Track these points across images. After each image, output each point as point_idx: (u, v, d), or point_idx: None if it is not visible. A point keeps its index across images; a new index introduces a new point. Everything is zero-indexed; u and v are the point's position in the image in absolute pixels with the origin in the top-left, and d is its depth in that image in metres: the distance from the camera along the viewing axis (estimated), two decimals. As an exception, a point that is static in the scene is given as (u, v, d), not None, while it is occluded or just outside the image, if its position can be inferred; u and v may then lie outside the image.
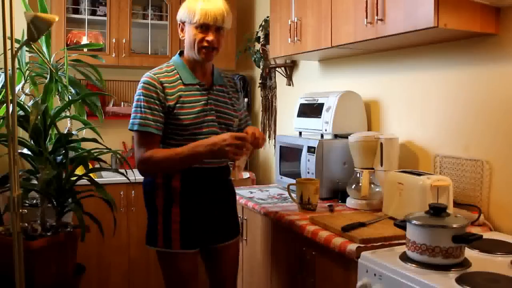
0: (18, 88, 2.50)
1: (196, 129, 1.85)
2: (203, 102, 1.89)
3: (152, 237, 1.91)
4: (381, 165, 2.15)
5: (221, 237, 1.98)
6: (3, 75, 2.29)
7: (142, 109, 1.81)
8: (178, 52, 2.00)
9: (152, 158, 1.80)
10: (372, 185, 2.16)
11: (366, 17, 2.01)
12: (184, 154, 1.80)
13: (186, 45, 1.92)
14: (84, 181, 2.35)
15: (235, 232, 2.04)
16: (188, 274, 1.89)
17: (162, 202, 1.90)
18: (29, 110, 2.12)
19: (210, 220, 1.93)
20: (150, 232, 1.93)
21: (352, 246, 1.61)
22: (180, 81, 1.88)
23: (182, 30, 1.92)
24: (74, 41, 3.46)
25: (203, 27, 1.84)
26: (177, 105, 1.83)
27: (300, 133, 2.69)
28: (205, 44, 1.85)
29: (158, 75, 1.87)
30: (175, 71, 1.91)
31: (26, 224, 2.15)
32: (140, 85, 1.84)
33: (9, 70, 1.70)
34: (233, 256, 2.06)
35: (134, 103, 1.84)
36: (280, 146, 2.73)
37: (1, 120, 2.25)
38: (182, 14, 1.89)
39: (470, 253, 1.51)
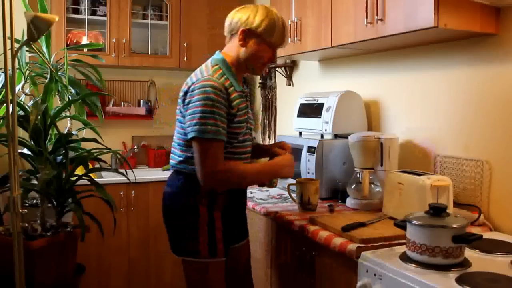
0: (18, 88, 2.50)
1: (243, 136, 1.83)
2: (247, 109, 1.85)
3: (192, 248, 1.78)
4: (381, 165, 2.15)
5: (243, 236, 2.01)
6: (3, 75, 2.29)
7: (213, 115, 1.67)
8: (221, 58, 1.82)
9: (233, 172, 1.74)
10: (372, 185, 2.16)
11: (366, 17, 2.01)
12: (265, 172, 1.85)
13: (243, 55, 1.79)
14: (84, 181, 2.35)
15: (247, 229, 2.07)
16: (224, 281, 1.85)
17: (206, 210, 1.79)
18: (29, 110, 2.12)
19: (242, 223, 1.98)
20: (187, 242, 1.79)
21: (352, 246, 1.61)
22: (233, 87, 1.76)
23: (246, 38, 1.77)
24: (74, 41, 3.46)
25: (276, 48, 1.82)
26: (238, 112, 1.76)
27: (300, 133, 2.69)
28: (267, 61, 1.83)
29: (220, 80, 1.72)
30: (225, 76, 1.76)
31: (26, 224, 2.15)
32: (205, 89, 1.67)
33: (9, 70, 1.70)
34: (248, 252, 2.07)
35: (200, 108, 1.67)
36: (280, 146, 2.72)
37: (1, 120, 2.26)
38: (257, 25, 1.75)
39: (470, 253, 1.51)
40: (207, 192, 1.77)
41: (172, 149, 1.88)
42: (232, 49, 1.82)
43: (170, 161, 1.89)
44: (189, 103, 1.71)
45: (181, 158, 1.81)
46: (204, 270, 1.79)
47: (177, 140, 1.84)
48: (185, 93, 1.75)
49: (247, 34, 1.77)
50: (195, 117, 1.68)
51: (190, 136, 1.70)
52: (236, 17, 1.79)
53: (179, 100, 1.81)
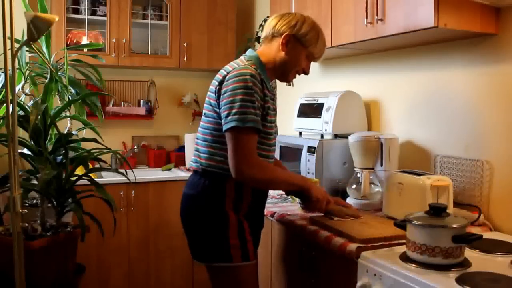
0: (18, 88, 2.50)
1: (272, 140, 1.79)
2: (275, 112, 1.82)
3: (222, 253, 1.69)
4: (381, 165, 2.15)
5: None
6: (3, 75, 2.29)
7: (253, 104, 1.60)
8: (256, 56, 1.77)
9: (267, 168, 1.70)
10: (372, 185, 2.16)
11: (366, 17, 2.01)
12: (297, 184, 1.80)
13: (281, 59, 1.76)
14: (84, 181, 2.35)
15: None
16: (258, 284, 1.82)
17: (234, 213, 1.72)
18: (29, 110, 2.12)
19: (262, 225, 1.93)
20: (217, 248, 1.70)
21: (352, 246, 1.61)
22: (265, 84, 1.71)
23: (289, 44, 1.74)
24: (74, 41, 3.46)
25: (312, 60, 1.81)
26: (270, 111, 1.71)
27: (300, 133, 2.69)
28: (300, 70, 1.81)
29: (257, 71, 1.67)
30: (259, 71, 1.71)
31: (26, 224, 2.15)
32: (245, 77, 1.61)
33: (9, 70, 1.70)
34: None
35: (240, 97, 1.59)
36: (280, 146, 2.72)
37: (1, 120, 2.25)
38: (303, 33, 1.74)
39: (470, 253, 1.51)
40: (234, 194, 1.72)
41: (197, 147, 1.78)
42: (270, 51, 1.78)
43: (193, 160, 1.80)
44: (225, 92, 1.63)
45: (206, 155, 1.73)
46: (238, 275, 1.72)
47: (202, 136, 1.75)
48: (220, 82, 1.67)
49: (291, 40, 1.75)
50: (235, 106, 1.59)
51: (229, 126, 1.60)
52: (283, 21, 1.76)
53: (210, 93, 1.73)
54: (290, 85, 3.37)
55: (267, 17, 3.30)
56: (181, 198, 1.83)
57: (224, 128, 1.63)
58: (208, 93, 1.75)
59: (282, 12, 1.88)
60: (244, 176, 1.64)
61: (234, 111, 1.60)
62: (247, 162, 1.62)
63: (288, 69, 1.79)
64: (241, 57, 1.79)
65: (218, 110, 1.67)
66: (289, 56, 1.76)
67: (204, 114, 1.76)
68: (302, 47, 1.76)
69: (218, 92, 1.67)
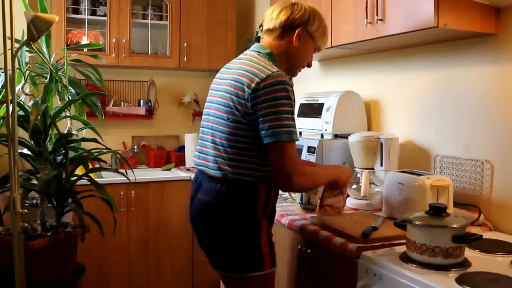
0: (18, 88, 2.50)
1: None
2: None
3: (254, 261, 1.64)
4: (381, 165, 2.15)
5: None
6: (3, 75, 2.29)
7: (293, 116, 1.60)
8: (270, 52, 1.72)
9: (311, 174, 1.74)
10: (372, 185, 2.16)
11: (366, 17, 2.01)
12: (328, 172, 1.84)
13: (293, 52, 1.74)
14: (84, 181, 2.35)
15: None
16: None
17: (263, 219, 1.68)
18: (29, 110, 2.12)
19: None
20: (249, 256, 1.64)
21: (352, 246, 1.61)
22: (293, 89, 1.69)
23: (301, 38, 1.73)
24: (74, 41, 3.46)
25: (316, 52, 1.82)
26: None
27: (300, 133, 2.69)
28: (306, 64, 1.81)
29: (287, 77, 1.65)
30: None
31: (26, 224, 2.15)
32: (283, 86, 1.57)
33: (9, 70, 1.70)
34: None
35: (283, 108, 1.55)
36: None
37: (1, 120, 2.25)
38: (315, 28, 1.74)
39: (470, 253, 1.51)
40: (265, 199, 1.68)
41: (218, 153, 1.67)
42: (280, 44, 1.73)
43: (212, 168, 1.68)
44: (264, 101, 1.55)
45: (235, 163, 1.63)
46: (266, 282, 1.69)
47: (226, 142, 1.64)
48: (254, 90, 1.56)
49: (304, 36, 1.73)
50: (279, 117, 1.55)
51: (276, 139, 1.55)
52: (295, 14, 1.72)
53: (238, 98, 1.60)
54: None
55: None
56: (197, 205, 1.73)
57: (267, 140, 1.57)
58: (229, 95, 1.64)
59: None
60: (294, 186, 1.64)
61: (279, 123, 1.55)
62: (295, 172, 1.60)
63: (298, 63, 1.78)
64: (255, 54, 1.70)
65: (250, 118, 1.59)
66: (301, 50, 1.75)
67: (228, 119, 1.63)
68: (312, 40, 1.76)
69: (253, 100, 1.57)
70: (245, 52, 1.78)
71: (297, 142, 1.62)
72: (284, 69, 1.72)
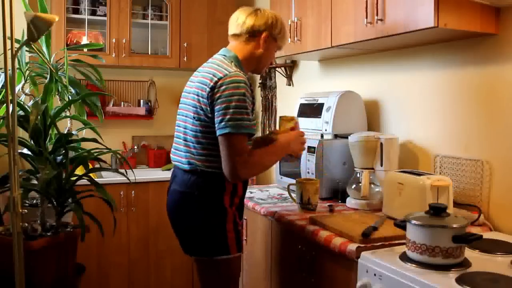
0: (18, 88, 2.50)
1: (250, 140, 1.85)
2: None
3: (221, 246, 1.79)
4: (381, 165, 2.15)
5: None
6: (3, 75, 2.29)
7: (247, 110, 1.70)
8: (235, 55, 1.85)
9: (256, 162, 1.77)
10: (372, 185, 2.16)
11: (366, 17, 2.01)
12: (278, 152, 1.89)
13: (260, 56, 1.88)
14: (84, 181, 2.35)
15: None
16: None
17: (230, 207, 1.82)
18: (29, 110, 2.13)
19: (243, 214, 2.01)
20: (216, 241, 1.79)
21: (352, 246, 1.61)
22: (251, 88, 1.80)
23: (267, 42, 1.87)
24: (74, 41, 3.46)
25: (277, 51, 1.97)
26: (253, 111, 1.79)
27: (300, 133, 2.69)
28: (271, 63, 1.92)
29: (246, 77, 1.76)
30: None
31: (26, 224, 2.15)
32: (239, 84, 1.69)
33: (9, 70, 1.70)
34: None
35: (234, 103, 1.67)
36: (280, 146, 2.72)
37: (1, 120, 2.25)
38: (278, 32, 1.88)
39: (470, 253, 1.51)
40: (231, 189, 1.81)
41: (188, 149, 1.82)
42: (246, 48, 1.87)
43: (184, 162, 1.83)
44: (218, 98, 1.69)
45: (203, 157, 1.77)
46: (233, 265, 1.84)
47: (194, 138, 1.78)
48: (212, 88, 1.71)
49: (269, 39, 1.87)
50: (229, 112, 1.67)
51: (223, 131, 1.67)
52: (260, 20, 1.85)
53: (201, 98, 1.74)
54: (289, 84, 3.38)
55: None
56: (171, 195, 1.91)
57: (218, 132, 1.70)
58: (195, 96, 1.78)
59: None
60: (240, 177, 1.74)
61: (228, 117, 1.67)
62: (239, 164, 1.70)
63: (264, 63, 1.93)
64: (221, 57, 1.84)
65: (210, 115, 1.73)
66: (267, 53, 1.89)
67: (194, 117, 1.78)
68: (275, 42, 1.91)
69: (211, 98, 1.71)
70: (213, 56, 1.90)
71: None
72: (251, 69, 1.92)
